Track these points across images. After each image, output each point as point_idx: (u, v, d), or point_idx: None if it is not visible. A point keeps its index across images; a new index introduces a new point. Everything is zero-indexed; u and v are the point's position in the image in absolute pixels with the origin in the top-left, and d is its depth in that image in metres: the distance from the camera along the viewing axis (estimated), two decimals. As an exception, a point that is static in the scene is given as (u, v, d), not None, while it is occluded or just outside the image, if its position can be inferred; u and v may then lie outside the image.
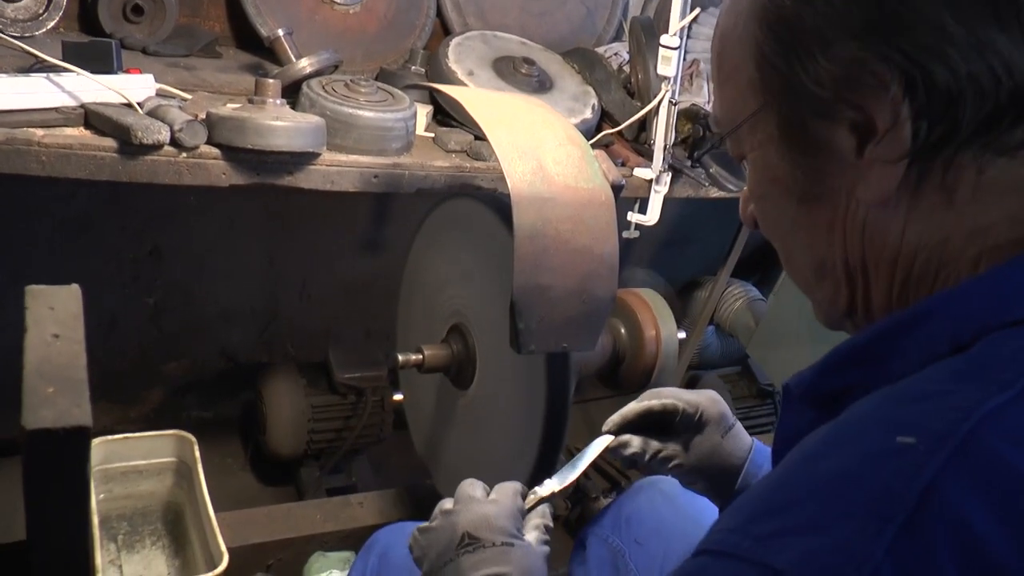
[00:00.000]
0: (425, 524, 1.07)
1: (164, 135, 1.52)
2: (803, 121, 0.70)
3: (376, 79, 1.89)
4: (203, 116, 1.59)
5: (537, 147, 1.27)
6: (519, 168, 1.22)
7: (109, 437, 1.79)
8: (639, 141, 2.11)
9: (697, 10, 1.83)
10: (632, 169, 1.98)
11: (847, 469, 0.55)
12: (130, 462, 1.78)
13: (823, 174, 0.71)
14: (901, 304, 0.70)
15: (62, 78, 1.58)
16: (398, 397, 2.21)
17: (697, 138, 2.10)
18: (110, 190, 2.22)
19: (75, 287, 1.35)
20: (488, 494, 1.07)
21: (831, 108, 0.68)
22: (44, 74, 1.58)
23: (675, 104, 1.86)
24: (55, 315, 1.29)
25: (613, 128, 2.06)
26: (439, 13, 2.24)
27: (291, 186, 1.65)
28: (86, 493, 1.10)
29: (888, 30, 0.64)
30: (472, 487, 1.07)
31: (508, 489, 1.06)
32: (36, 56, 1.59)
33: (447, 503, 1.07)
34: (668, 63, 1.76)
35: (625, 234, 2.00)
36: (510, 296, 1.21)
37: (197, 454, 1.74)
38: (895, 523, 0.51)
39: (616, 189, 1.28)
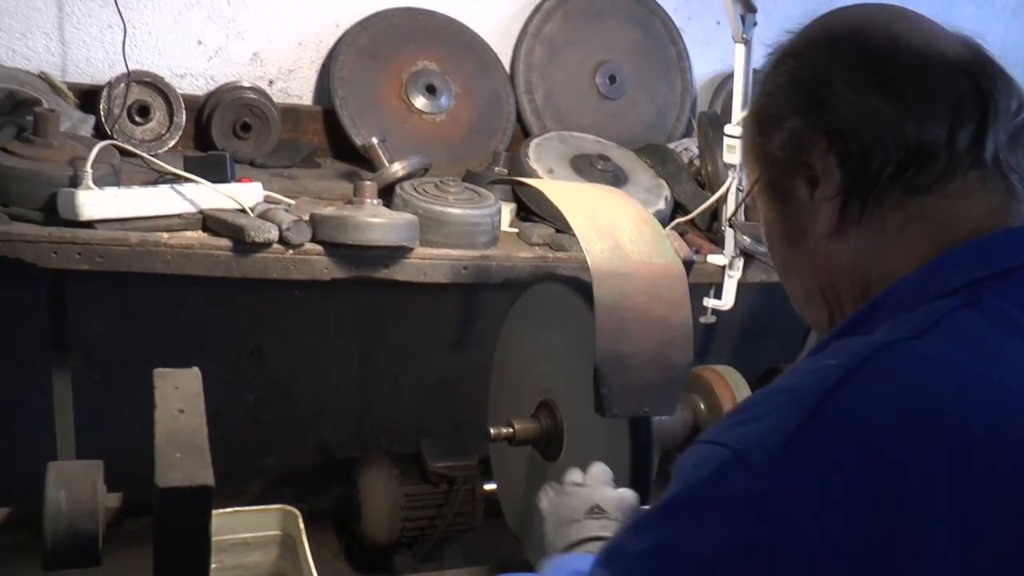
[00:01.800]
0: (557, 485, 1.30)
1: (273, 234, 1.68)
2: (777, 179, 0.95)
3: (463, 180, 2.04)
4: (307, 217, 1.75)
5: (613, 228, 1.38)
6: (598, 247, 1.34)
7: (219, 511, 1.91)
8: (711, 230, 2.22)
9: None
10: (706, 256, 2.07)
11: (789, 383, 0.77)
12: (238, 535, 1.89)
13: (794, 218, 0.95)
14: None
15: (184, 187, 1.76)
16: (490, 486, 2.29)
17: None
18: (216, 296, 2.39)
19: (195, 370, 1.50)
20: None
21: (790, 166, 0.93)
22: (169, 185, 1.76)
23: (742, 191, 1.96)
24: (180, 393, 1.43)
25: (685, 217, 2.16)
26: (519, 118, 2.41)
27: (387, 279, 1.78)
28: (208, 545, 1.21)
29: (814, 108, 0.90)
30: (604, 472, 1.31)
31: (629, 493, 1.29)
32: (165, 170, 1.77)
33: (577, 475, 1.31)
34: (733, 151, 1.88)
35: (702, 319, 2.09)
36: (594, 367, 1.30)
37: (301, 526, 1.85)
38: (806, 412, 0.71)
39: (687, 265, 1.38)
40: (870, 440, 0.70)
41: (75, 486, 1.26)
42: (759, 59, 2.13)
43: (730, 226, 1.88)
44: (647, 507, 1.23)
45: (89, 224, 1.64)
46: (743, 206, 1.95)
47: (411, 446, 2.57)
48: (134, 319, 2.31)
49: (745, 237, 1.87)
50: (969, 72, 0.87)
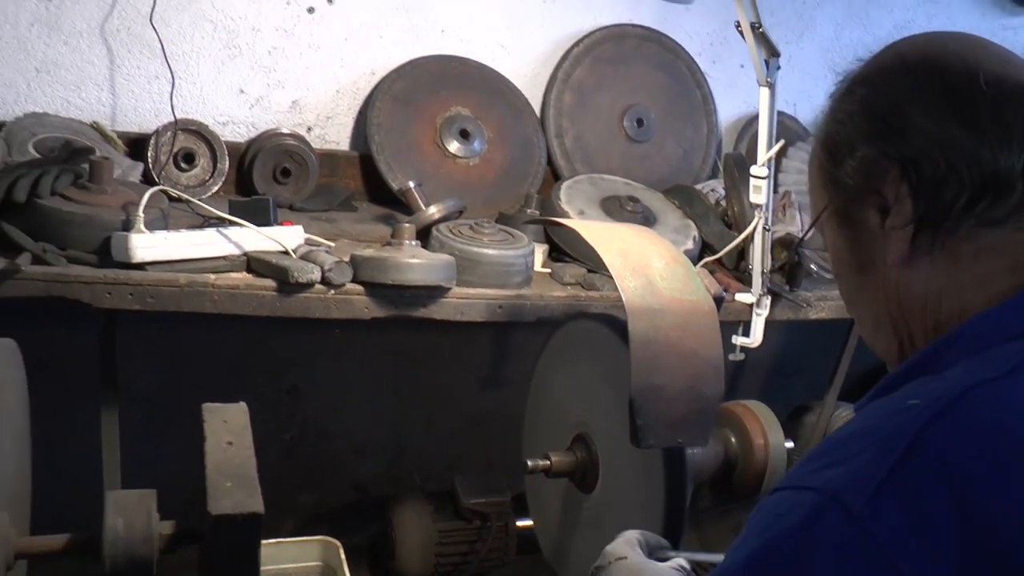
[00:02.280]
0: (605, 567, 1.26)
1: (316, 275, 1.75)
2: (847, 207, 0.95)
3: (496, 222, 2.10)
4: (348, 258, 1.81)
5: (646, 265, 1.44)
6: (631, 283, 1.40)
7: (262, 542, 1.95)
8: (739, 269, 2.26)
9: (782, 141, 2.01)
10: (734, 295, 2.12)
11: (868, 425, 0.78)
12: (280, 565, 1.93)
13: (864, 246, 0.95)
14: None
15: (229, 231, 1.83)
16: (523, 523, 2.33)
17: (793, 264, 2.25)
18: (254, 337, 2.45)
19: (242, 405, 1.56)
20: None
21: (860, 194, 0.93)
22: (215, 228, 1.84)
23: (768, 230, 2.01)
24: (228, 426, 1.49)
25: (713, 256, 2.22)
26: (549, 161, 2.49)
27: (425, 317, 1.84)
28: (257, 572, 1.27)
29: (887, 136, 0.90)
30: (638, 538, 1.27)
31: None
32: (212, 214, 1.85)
33: (623, 549, 1.25)
34: (759, 191, 1.93)
35: (731, 356, 2.13)
36: (628, 399, 1.35)
37: (343, 556, 1.89)
38: (896, 454, 0.73)
39: (717, 301, 1.44)
40: (964, 483, 0.71)
41: (131, 514, 1.32)
42: (783, 100, 2.21)
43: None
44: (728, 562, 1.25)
45: (140, 266, 1.72)
46: (764, 234, 2.00)
47: (445, 483, 2.61)
48: (176, 359, 2.38)
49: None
50: None
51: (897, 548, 0.70)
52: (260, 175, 2.23)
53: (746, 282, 2.17)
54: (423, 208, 2.04)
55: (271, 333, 2.35)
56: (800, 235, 2.24)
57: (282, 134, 2.29)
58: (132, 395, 2.35)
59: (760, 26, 1.90)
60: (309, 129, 2.39)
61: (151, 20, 2.15)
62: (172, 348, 2.37)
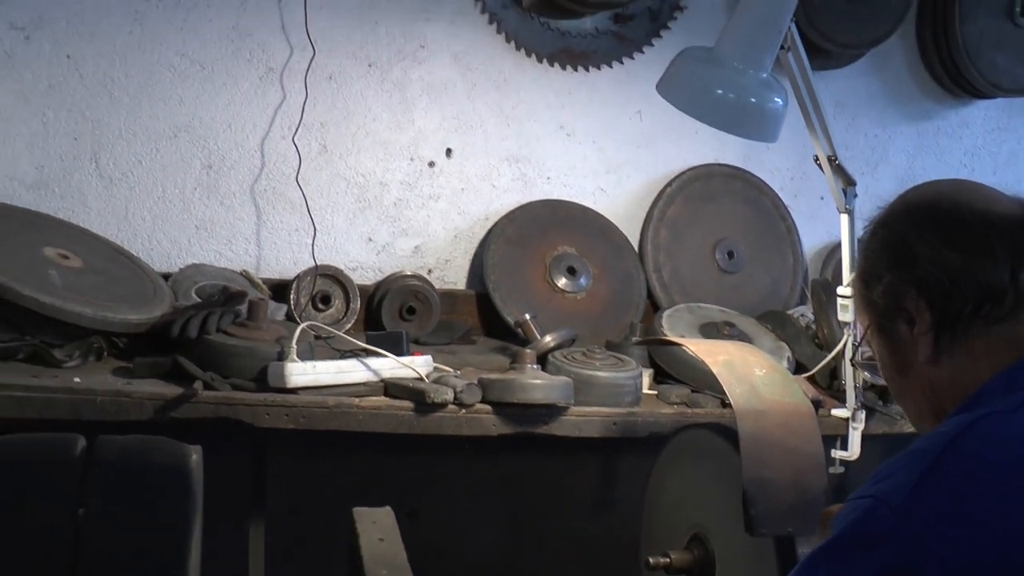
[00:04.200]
0: None
1: (450, 396, 1.96)
2: (883, 322, 1.20)
3: (605, 349, 2.30)
4: (476, 381, 2.02)
5: (749, 373, 1.62)
6: (737, 389, 1.58)
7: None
8: (832, 388, 2.40)
9: (860, 266, 2.17)
10: (830, 410, 2.25)
11: (912, 447, 1.04)
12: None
13: (901, 352, 1.19)
14: None
15: (368, 360, 2.06)
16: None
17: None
18: (377, 463, 2.63)
19: (388, 508, 1.76)
20: None
21: (891, 311, 1.17)
22: (356, 358, 2.07)
23: (858, 346, 2.16)
24: (377, 527, 1.69)
25: (806, 374, 2.37)
26: (649, 293, 2.71)
27: (547, 434, 2.03)
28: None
29: (902, 264, 1.15)
30: None
31: None
32: (356, 346, 2.09)
33: None
34: (846, 310, 2.08)
35: (831, 470, 2.25)
36: (740, 494, 1.51)
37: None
38: (926, 465, 0.98)
39: (815, 404, 1.60)
40: (978, 484, 0.96)
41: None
42: (862, 227, 2.38)
43: (852, 364, 2.07)
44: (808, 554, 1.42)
45: (294, 391, 1.95)
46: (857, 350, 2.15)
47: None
48: (310, 477, 2.58)
49: (866, 372, 2.06)
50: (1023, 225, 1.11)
51: (926, 530, 0.93)
52: (388, 313, 2.48)
53: (840, 400, 2.30)
54: (539, 337, 2.25)
55: (390, 461, 2.54)
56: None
57: (406, 276, 2.55)
58: (269, 510, 2.54)
59: (836, 159, 2.07)
60: (430, 271, 2.64)
61: (296, 180, 2.46)
62: (308, 467, 2.56)
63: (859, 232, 2.27)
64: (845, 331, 2.18)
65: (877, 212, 1.25)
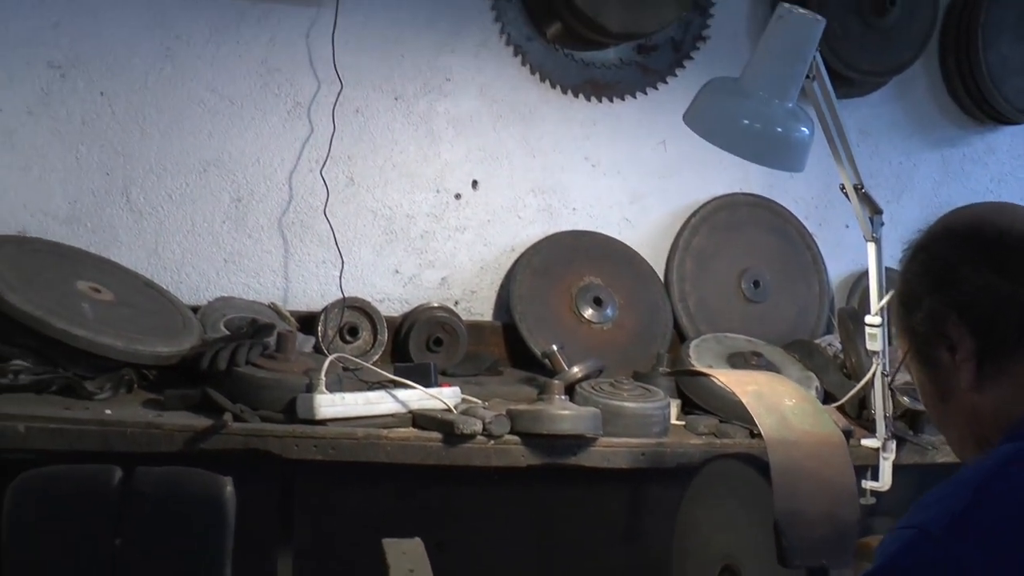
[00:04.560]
0: None
1: (478, 427, 1.96)
2: (923, 348, 1.17)
3: (632, 379, 2.29)
4: (504, 412, 2.03)
5: (778, 404, 1.61)
6: (767, 420, 1.57)
7: None
8: (862, 418, 2.39)
9: (893, 291, 2.16)
10: (860, 440, 2.24)
11: (955, 477, 1.03)
12: None
13: (942, 379, 1.16)
14: None
15: (396, 391, 2.07)
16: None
17: (914, 410, 2.36)
18: (406, 494, 2.64)
19: (418, 539, 1.76)
20: None
21: (931, 337, 1.14)
22: (384, 390, 2.08)
23: (887, 375, 2.14)
24: (407, 557, 1.69)
25: (835, 403, 2.35)
26: (675, 323, 2.70)
27: (575, 465, 2.02)
28: None
29: (944, 289, 1.12)
30: None
31: None
32: (385, 378, 2.10)
33: None
34: (875, 339, 2.07)
35: (862, 500, 2.23)
36: (772, 526, 1.50)
37: None
38: (967, 497, 0.97)
39: (846, 434, 1.59)
40: (1016, 515, 0.95)
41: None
42: (889, 255, 2.37)
43: (889, 388, 2.06)
44: None
45: (323, 422, 1.95)
46: (884, 379, 2.13)
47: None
48: (339, 509, 2.58)
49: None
50: None
51: (975, 566, 0.92)
52: (415, 345, 2.48)
53: (870, 429, 2.28)
54: (566, 368, 2.25)
55: (418, 492, 2.54)
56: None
57: (433, 307, 2.56)
58: (299, 540, 2.54)
59: (862, 187, 2.08)
60: (456, 303, 2.65)
61: (324, 212, 2.48)
62: (337, 498, 2.56)
63: (887, 260, 2.28)
64: (874, 360, 2.17)
65: (916, 235, 1.23)
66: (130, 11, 2.36)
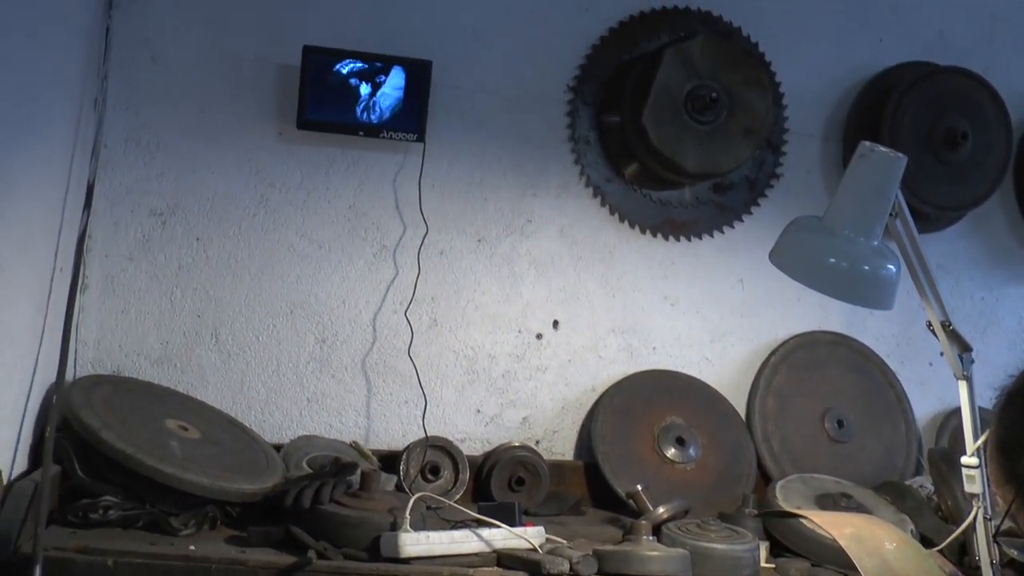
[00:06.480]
0: None
1: (566, 567, 1.93)
2: None
3: (719, 520, 2.25)
4: (591, 552, 1.99)
5: (879, 547, 1.57)
6: (868, 563, 1.52)
7: None
8: (963, 564, 2.29)
9: (988, 431, 2.10)
10: (966, 586, 2.15)
11: None
12: None
13: None
14: None
15: (480, 530, 2.05)
16: None
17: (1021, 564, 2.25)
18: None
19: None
20: None
21: None
22: (468, 529, 2.06)
23: (990, 519, 2.07)
24: None
25: (935, 548, 2.26)
26: (759, 464, 2.65)
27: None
28: None
29: None
30: None
31: None
32: (470, 516, 2.08)
33: None
34: (973, 481, 2.00)
35: (976, 652, 2.12)
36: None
37: None
38: None
39: (955, 580, 1.53)
40: None
41: None
42: (979, 394, 2.31)
43: (996, 540, 1.98)
44: None
45: (407, 561, 1.94)
46: (986, 524, 2.05)
47: None
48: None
49: (1012, 550, 1.95)
50: None
51: None
52: (497, 484, 2.47)
53: (973, 575, 2.19)
54: (651, 509, 2.22)
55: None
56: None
57: (515, 447, 2.55)
58: None
59: (950, 324, 2.05)
60: (537, 442, 2.64)
61: (408, 353, 2.52)
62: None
63: (980, 400, 2.23)
64: (973, 503, 2.09)
65: (1008, 380, 1.22)
66: (230, 161, 2.49)
